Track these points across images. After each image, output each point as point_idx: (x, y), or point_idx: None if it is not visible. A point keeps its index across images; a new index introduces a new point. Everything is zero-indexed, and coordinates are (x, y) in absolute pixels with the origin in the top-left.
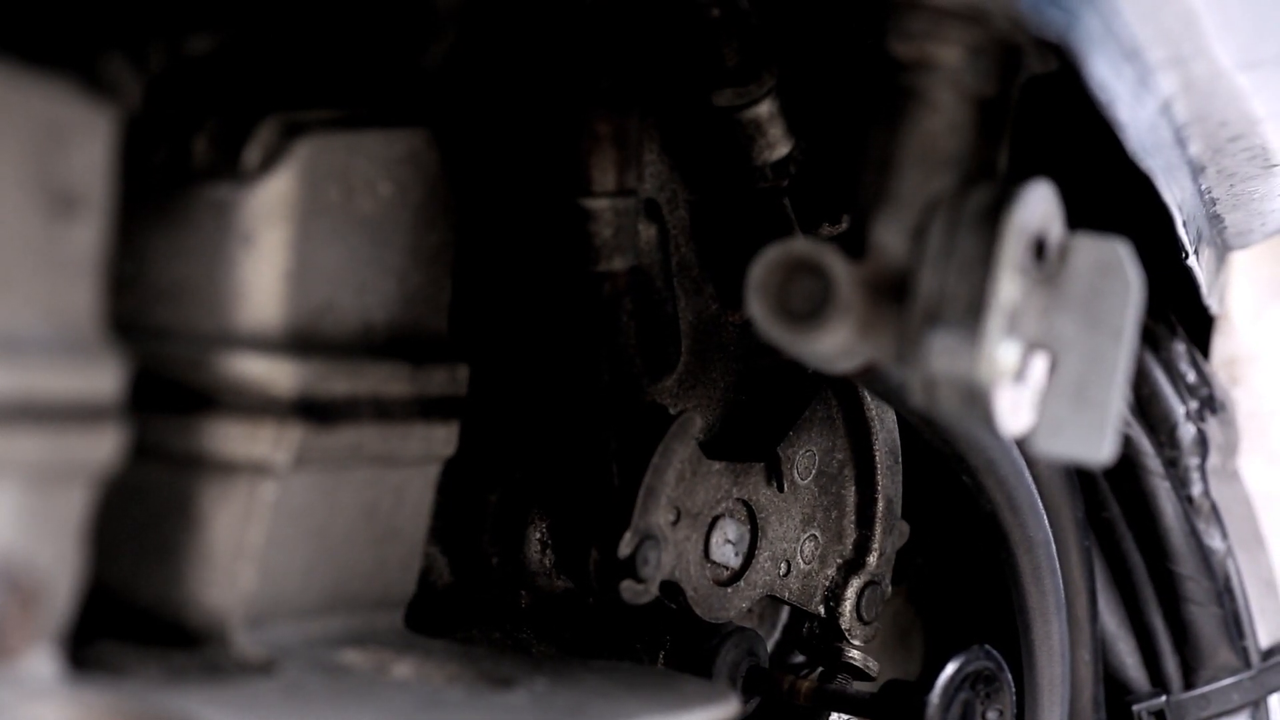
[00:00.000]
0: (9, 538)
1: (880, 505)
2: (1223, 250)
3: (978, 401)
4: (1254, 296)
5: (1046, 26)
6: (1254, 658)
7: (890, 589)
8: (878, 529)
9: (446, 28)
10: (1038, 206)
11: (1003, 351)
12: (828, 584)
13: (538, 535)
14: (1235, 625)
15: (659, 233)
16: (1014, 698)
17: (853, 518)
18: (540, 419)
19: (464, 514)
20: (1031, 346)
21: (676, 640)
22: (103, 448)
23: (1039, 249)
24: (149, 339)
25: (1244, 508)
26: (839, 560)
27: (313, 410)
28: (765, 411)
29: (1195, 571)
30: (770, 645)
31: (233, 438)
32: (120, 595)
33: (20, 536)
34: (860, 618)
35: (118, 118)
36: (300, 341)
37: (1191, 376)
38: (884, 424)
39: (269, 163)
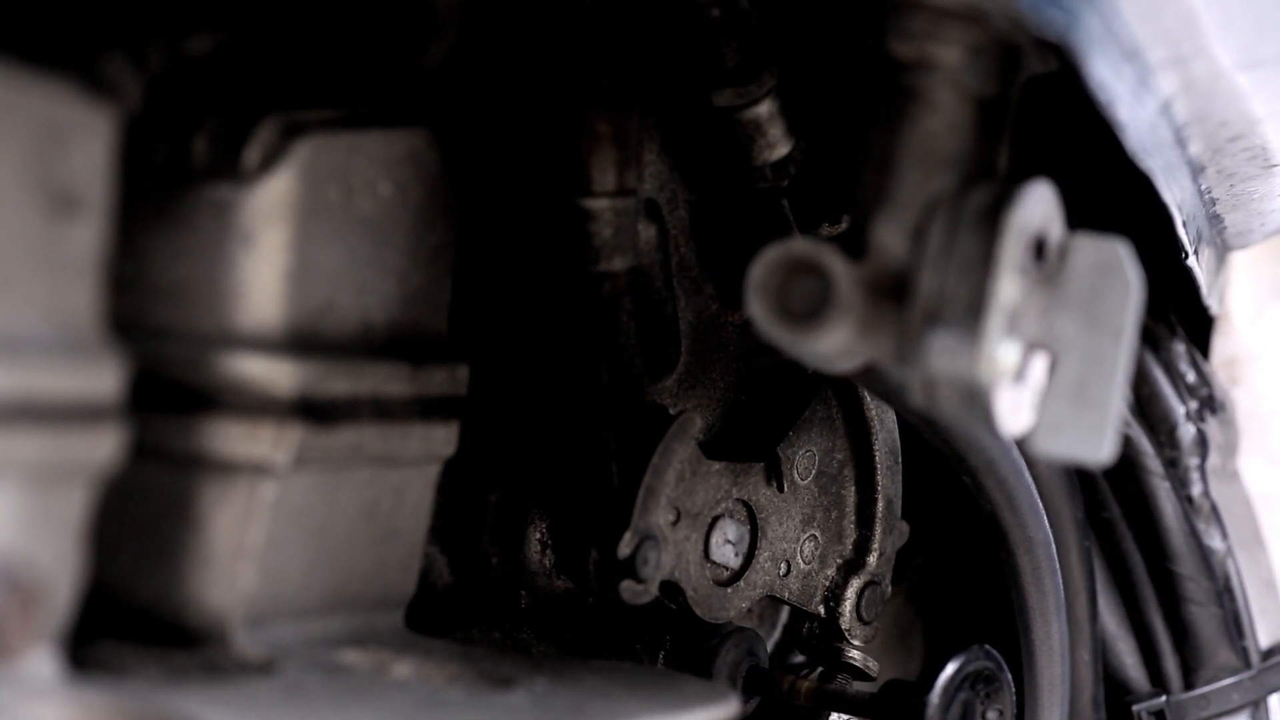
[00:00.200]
0: (9, 538)
1: (880, 505)
2: (1222, 250)
3: (978, 401)
4: (1254, 296)
5: (1046, 26)
6: (1254, 658)
7: (890, 589)
8: (878, 529)
9: (446, 27)
10: (1038, 206)
11: (1003, 351)
12: (828, 584)
13: (537, 535)
14: (1235, 625)
15: (659, 233)
16: (1014, 698)
17: (853, 518)
18: (540, 419)
19: (464, 514)
20: (1031, 346)
21: (676, 640)
22: (103, 448)
23: (1039, 249)
24: (149, 339)
25: (1244, 508)
26: (839, 560)
27: (313, 410)
28: (765, 412)
29: (1195, 571)
30: (770, 645)
31: (233, 438)
32: (120, 595)
33: (20, 536)
34: (860, 618)
35: (118, 118)
36: (300, 341)
37: (1191, 376)
38: (884, 424)
39: (269, 163)
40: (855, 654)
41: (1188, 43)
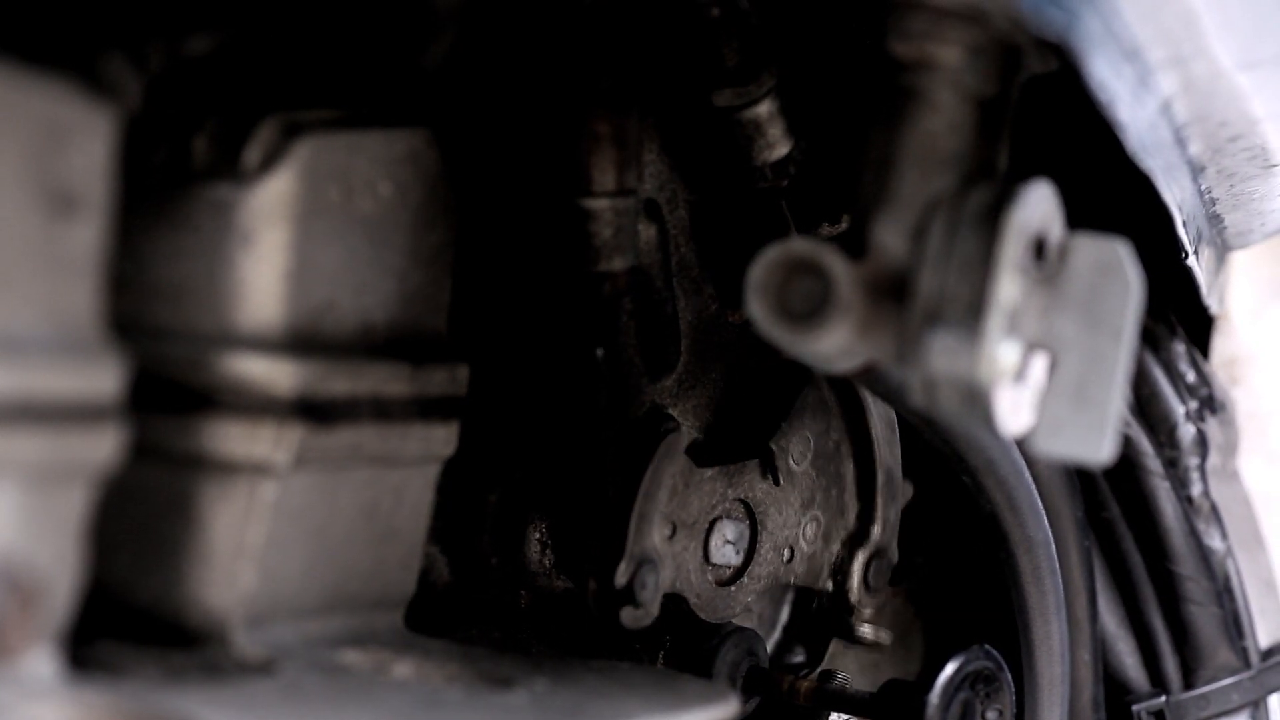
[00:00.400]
0: (9, 538)
1: (880, 477)
2: (1222, 250)
3: (978, 401)
4: (1254, 296)
5: (1046, 26)
6: (1254, 658)
7: (897, 556)
8: (879, 500)
9: (446, 27)
10: (1038, 206)
11: (1003, 351)
12: (833, 560)
13: (537, 535)
14: (1235, 625)
15: (659, 233)
16: (1014, 697)
17: (853, 491)
18: (540, 419)
19: (464, 514)
20: (1031, 346)
21: (676, 640)
22: (102, 448)
23: (1039, 249)
24: (149, 339)
25: (1244, 508)
26: (843, 535)
27: (312, 410)
28: (756, 407)
29: (1195, 571)
30: (770, 645)
31: (232, 438)
32: (120, 595)
33: (20, 536)
34: (868, 588)
35: (118, 118)
36: (300, 341)
37: (1191, 376)
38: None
39: (269, 163)
40: (866, 629)
41: (1188, 43)
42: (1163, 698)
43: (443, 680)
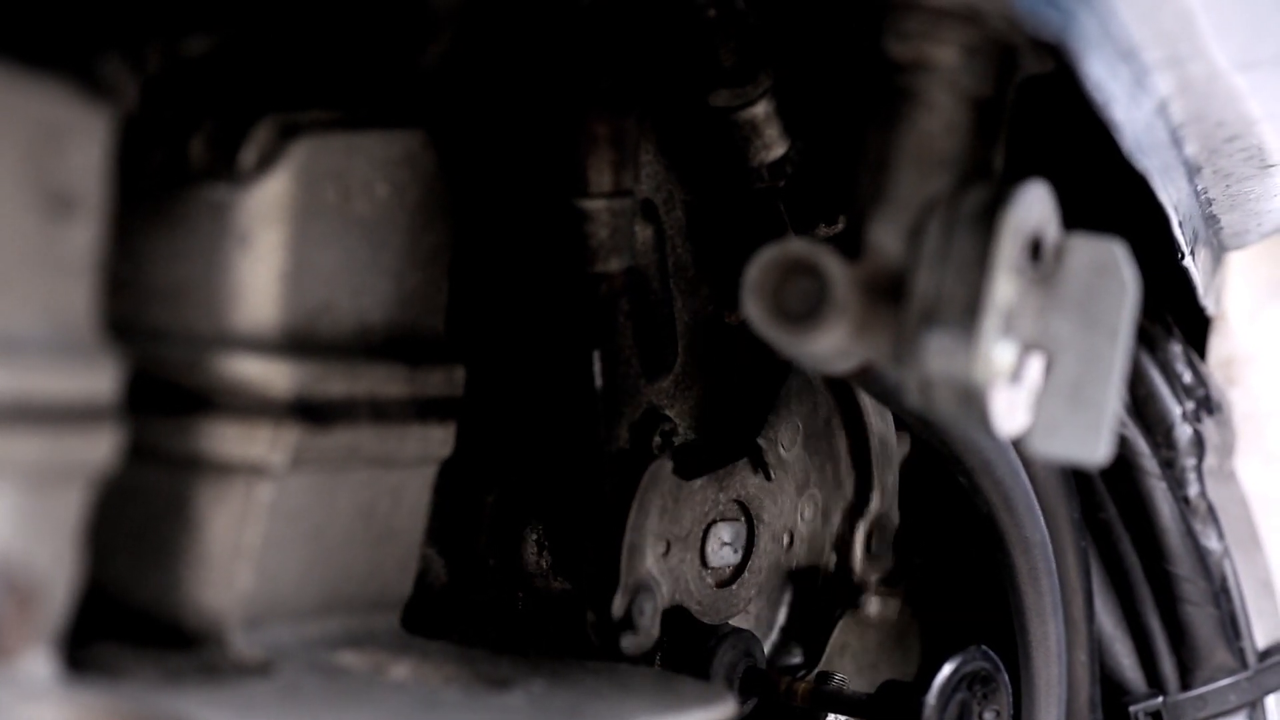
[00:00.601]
0: (6, 539)
1: (873, 444)
2: (1219, 250)
3: (974, 402)
4: (1250, 297)
5: (1043, 26)
6: (1250, 658)
7: (899, 518)
8: (875, 467)
9: (443, 28)
10: (1034, 207)
11: (999, 352)
12: (834, 535)
13: (534, 537)
14: (1232, 626)
15: (655, 233)
16: (1011, 698)
17: (848, 463)
18: (537, 421)
19: (461, 515)
20: (1027, 347)
21: (673, 641)
22: (99, 449)
23: (1035, 249)
24: (145, 340)
25: (1240, 508)
26: (842, 507)
27: (309, 411)
28: (741, 405)
29: (1192, 572)
30: (767, 647)
31: (229, 439)
32: (117, 596)
33: (17, 537)
34: (871, 555)
35: (114, 119)
36: (297, 342)
37: (1188, 377)
38: None
39: (265, 164)
40: (873, 601)
41: (1184, 43)
42: (1160, 698)
43: (440, 681)
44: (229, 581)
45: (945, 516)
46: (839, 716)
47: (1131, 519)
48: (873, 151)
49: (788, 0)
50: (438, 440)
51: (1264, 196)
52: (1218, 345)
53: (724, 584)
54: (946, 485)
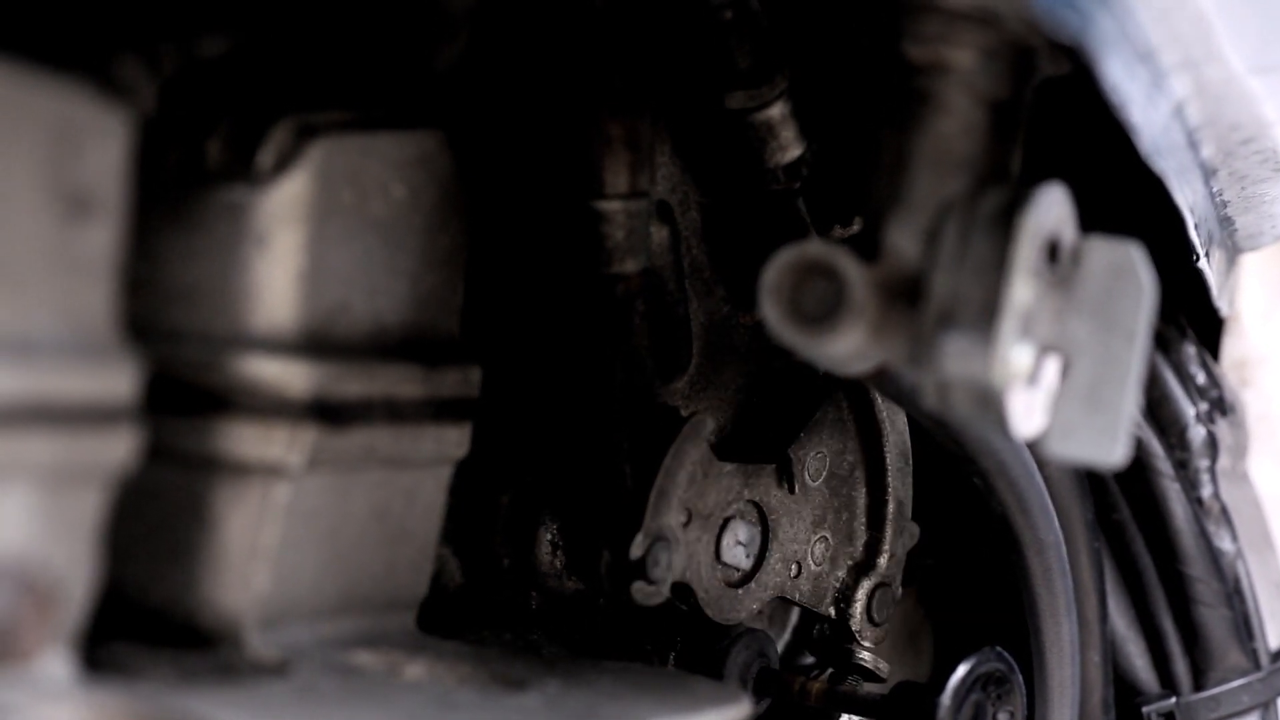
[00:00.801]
0: (24, 539)
1: (891, 507)
2: (1233, 252)
3: (991, 404)
4: (1264, 299)
5: (1061, 29)
6: (1264, 659)
7: (901, 590)
8: (888, 531)
9: (459, 29)
10: (1051, 209)
11: (1016, 354)
12: (838, 585)
13: (549, 537)
14: (1245, 627)
15: (671, 235)
16: (1025, 699)
17: (863, 519)
18: (552, 421)
19: (476, 515)
20: (1044, 349)
21: (687, 641)
22: (117, 450)
23: (1052, 252)
24: (163, 341)
25: (1254, 510)
26: (849, 562)
27: (326, 412)
28: (777, 413)
29: (1205, 573)
30: (780, 647)
31: (246, 439)
32: (134, 597)
33: (35, 538)
34: (871, 619)
35: (132, 120)
36: (314, 343)
37: (1202, 378)
38: (894, 426)
39: (283, 165)
40: (866, 655)
41: (1200, 46)
42: (1173, 699)
43: (455, 682)
44: (245, 582)
45: (959, 518)
46: (853, 717)
47: (1145, 520)
48: (889, 153)
49: (804, 2)
50: (453, 441)
51: (1278, 199)
52: (1231, 347)
53: (731, 585)
54: (961, 486)
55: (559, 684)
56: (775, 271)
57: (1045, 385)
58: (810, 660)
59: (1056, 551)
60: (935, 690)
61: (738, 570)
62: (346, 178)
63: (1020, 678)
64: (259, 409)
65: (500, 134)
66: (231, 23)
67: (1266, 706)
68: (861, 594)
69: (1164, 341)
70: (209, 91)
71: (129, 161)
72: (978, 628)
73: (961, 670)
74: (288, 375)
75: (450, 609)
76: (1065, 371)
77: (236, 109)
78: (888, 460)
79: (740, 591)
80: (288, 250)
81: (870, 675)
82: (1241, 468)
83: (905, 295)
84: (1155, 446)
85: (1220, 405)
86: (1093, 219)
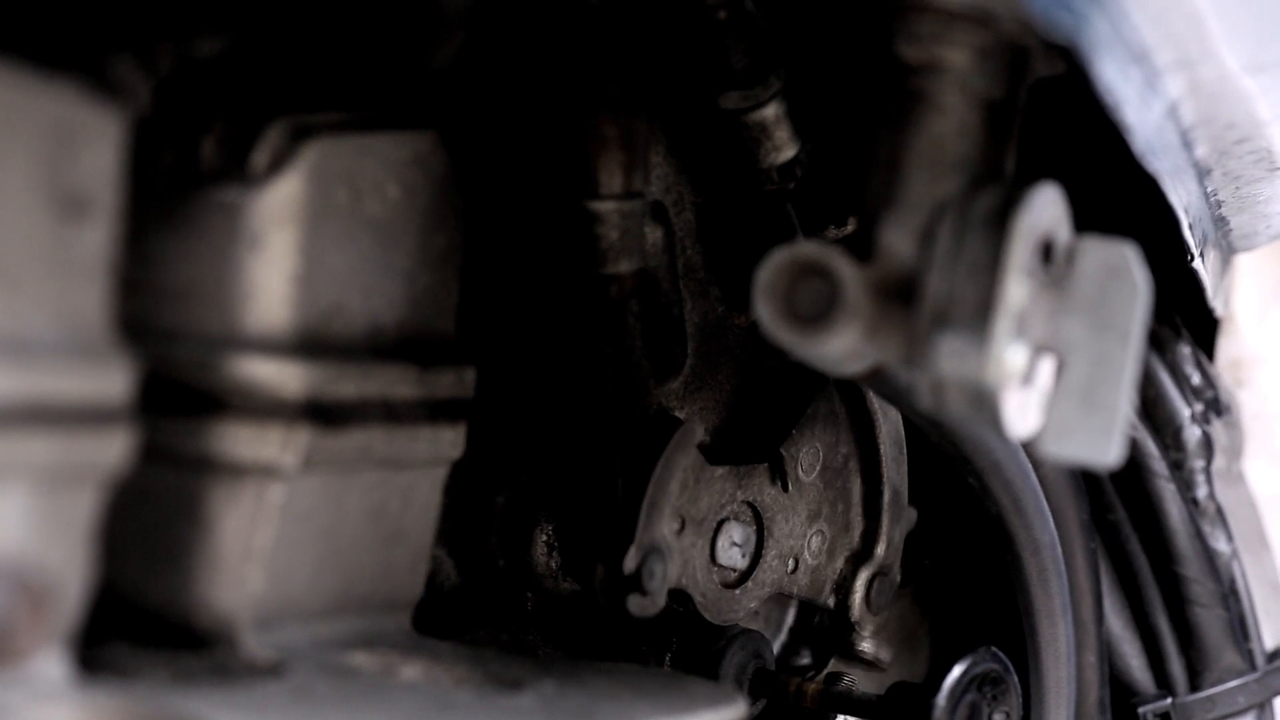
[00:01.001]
0: (19, 540)
1: (886, 495)
2: (1228, 253)
3: (985, 404)
4: (1258, 299)
5: (1055, 29)
6: (1259, 660)
7: (900, 577)
8: (885, 519)
9: (454, 30)
10: (1045, 209)
11: (1011, 354)
12: (836, 576)
13: (544, 537)
14: (1240, 627)
15: (665, 235)
16: (1020, 700)
17: (859, 509)
18: (547, 421)
19: (471, 516)
20: (1039, 349)
21: (683, 642)
22: (112, 450)
23: (1047, 252)
24: (158, 341)
25: (1249, 510)
26: (847, 552)
27: (321, 412)
28: (768, 411)
29: (1200, 574)
30: (776, 647)
31: (241, 440)
32: (129, 597)
33: (30, 538)
34: (869, 607)
35: (127, 120)
36: (308, 344)
37: (1196, 379)
38: (888, 416)
39: (277, 165)
40: (866, 646)
41: (1195, 46)
42: (1168, 700)
43: (451, 682)
44: (240, 582)
45: (955, 518)
46: (848, 717)
47: (1140, 520)
48: (884, 153)
49: (798, 2)
50: (448, 441)
51: (1273, 199)
52: (1226, 347)
53: (728, 586)
54: (956, 487)
55: (555, 685)
56: (769, 272)
57: (1040, 385)
58: (806, 661)
59: (1052, 552)
60: (931, 691)
61: (734, 571)
62: (341, 178)
63: (1016, 678)
64: (254, 410)
65: (495, 134)
66: (226, 23)
67: (1262, 707)
68: (860, 583)
69: (1159, 342)
70: (204, 92)
71: (124, 162)
72: (974, 628)
73: (957, 671)
74: (282, 376)
75: (446, 610)
76: (1060, 371)
77: (231, 109)
78: (882, 450)
79: (738, 591)
80: (282, 251)
81: (871, 665)
82: (1237, 468)
83: (900, 295)
84: (1150, 447)
85: (1215, 405)
86: (1087, 219)
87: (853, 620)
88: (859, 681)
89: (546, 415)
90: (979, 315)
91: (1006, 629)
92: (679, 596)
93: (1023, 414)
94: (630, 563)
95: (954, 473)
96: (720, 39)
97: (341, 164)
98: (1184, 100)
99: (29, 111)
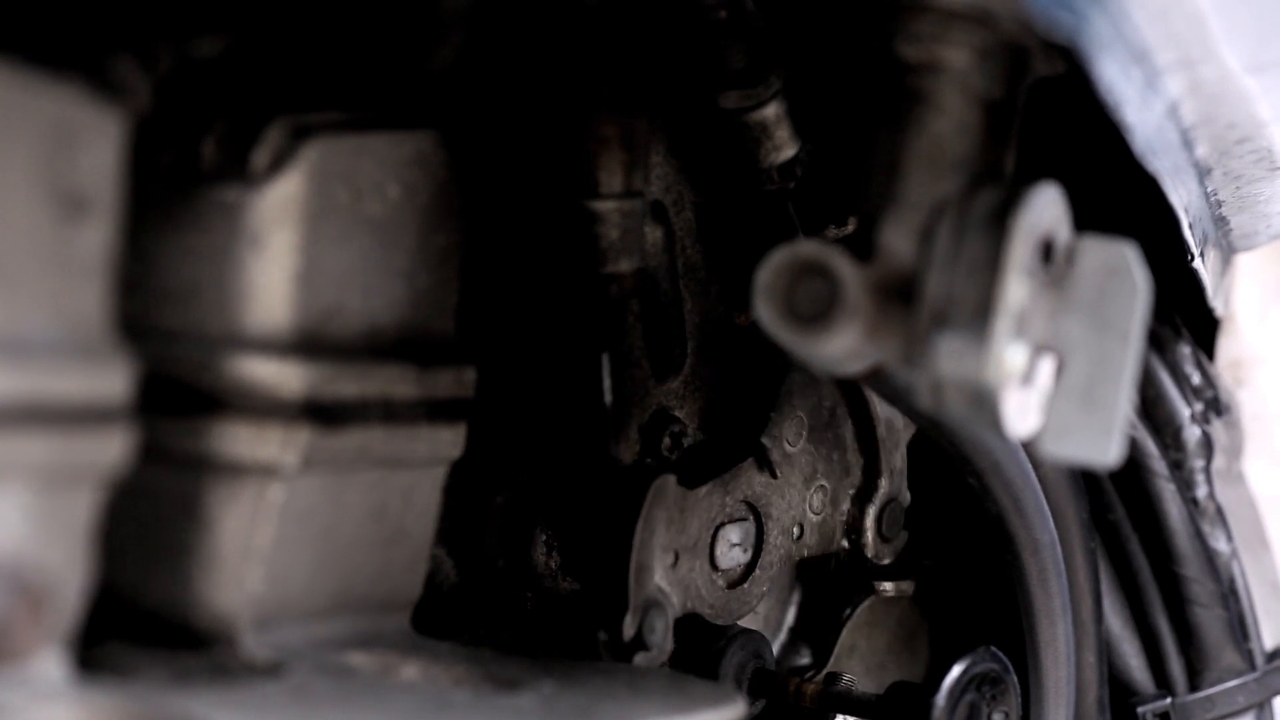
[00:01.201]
0: (18, 540)
1: (880, 428)
2: (1228, 252)
3: (985, 404)
4: (1259, 298)
5: (1055, 28)
6: (1259, 660)
7: (909, 497)
8: (882, 451)
9: (454, 30)
10: (1045, 209)
11: (1010, 354)
12: (845, 519)
13: (544, 538)
14: (1240, 627)
15: (665, 235)
16: (1020, 700)
17: (855, 449)
18: (547, 422)
19: (470, 516)
20: (1039, 349)
21: (682, 642)
22: (111, 450)
23: (1046, 251)
24: (157, 341)
25: (1249, 510)
26: (852, 492)
27: (320, 412)
28: (743, 406)
29: (1200, 574)
30: (776, 647)
31: (240, 440)
32: (128, 597)
33: (29, 538)
34: (883, 537)
35: (127, 120)
36: (308, 343)
37: (1196, 379)
38: None
39: (277, 165)
40: (888, 586)
41: (1196, 45)
42: (1168, 700)
43: (450, 682)
44: (239, 582)
45: (954, 518)
46: (847, 717)
47: (1140, 520)
48: (883, 153)
49: (798, 1)
50: (448, 441)
51: (1273, 198)
52: (1226, 346)
53: (735, 584)
54: (956, 486)
55: (554, 684)
56: (769, 271)
57: (1040, 385)
58: (805, 661)
59: (1052, 552)
60: (930, 690)
61: (739, 567)
62: (341, 178)
63: (1015, 678)
64: (253, 409)
65: (495, 134)
66: (227, 23)
67: (1261, 707)
68: (870, 518)
69: (1159, 341)
70: (204, 91)
71: (124, 162)
72: (974, 628)
73: (956, 670)
74: (282, 376)
75: (445, 609)
76: (1060, 371)
77: (231, 109)
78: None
79: (746, 584)
80: (282, 250)
81: (895, 600)
82: (1236, 468)
83: (900, 295)
84: (1150, 446)
85: (1215, 405)
86: (1087, 219)
87: (869, 556)
88: (858, 681)
89: (546, 416)
90: (979, 315)
91: (1006, 629)
92: (687, 620)
93: (1022, 414)
94: (629, 630)
95: (954, 473)
96: (720, 38)
97: (341, 164)
98: (1184, 100)
99: (29, 111)
